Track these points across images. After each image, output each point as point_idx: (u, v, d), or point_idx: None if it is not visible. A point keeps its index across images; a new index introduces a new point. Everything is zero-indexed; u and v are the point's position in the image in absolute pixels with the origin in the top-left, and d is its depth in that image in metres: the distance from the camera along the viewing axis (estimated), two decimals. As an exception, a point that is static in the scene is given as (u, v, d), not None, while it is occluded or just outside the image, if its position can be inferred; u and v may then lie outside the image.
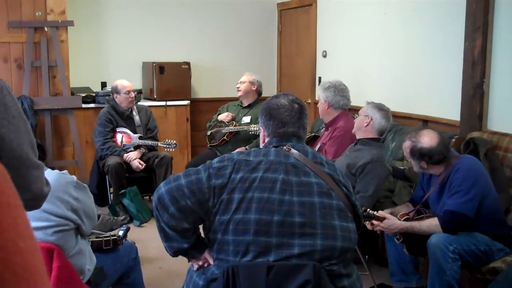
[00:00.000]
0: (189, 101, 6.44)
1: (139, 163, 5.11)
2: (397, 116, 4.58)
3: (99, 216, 3.48)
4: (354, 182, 3.54)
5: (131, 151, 5.19)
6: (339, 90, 4.31)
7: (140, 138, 5.25)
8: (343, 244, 1.95)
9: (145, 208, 5.10)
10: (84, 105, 5.82)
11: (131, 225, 4.53)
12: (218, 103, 5.97)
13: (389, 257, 3.49)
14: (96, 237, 2.82)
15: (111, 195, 5.23)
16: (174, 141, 5.28)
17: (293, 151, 2.05)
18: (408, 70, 4.91)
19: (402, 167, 4.13)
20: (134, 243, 3.15)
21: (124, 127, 5.26)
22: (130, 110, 5.32)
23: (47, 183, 1.61)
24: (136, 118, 5.34)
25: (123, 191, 5.04)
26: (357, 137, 3.79)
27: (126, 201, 5.02)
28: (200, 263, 2.06)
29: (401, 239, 3.20)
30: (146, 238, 4.44)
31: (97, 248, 2.74)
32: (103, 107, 5.42)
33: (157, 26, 6.59)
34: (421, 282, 3.41)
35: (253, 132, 4.97)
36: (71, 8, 5.82)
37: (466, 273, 3.16)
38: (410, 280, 3.42)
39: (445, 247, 2.92)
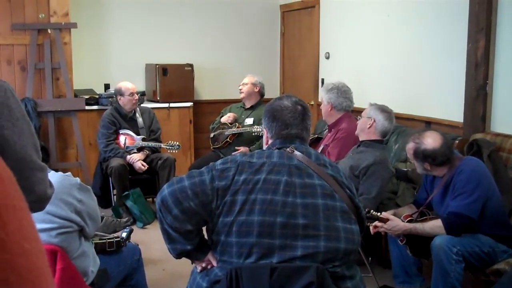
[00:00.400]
0: (192, 103, 6.44)
1: (142, 164, 5.11)
2: (400, 117, 4.57)
3: (102, 218, 3.48)
4: (357, 184, 3.53)
5: (134, 153, 5.19)
6: (342, 91, 4.30)
7: (143, 140, 5.26)
8: (347, 246, 1.95)
9: (148, 210, 5.11)
10: (87, 107, 5.83)
11: (134, 227, 4.51)
12: (221, 105, 5.97)
13: (392, 259, 3.48)
14: (100, 239, 2.82)
15: (115, 197, 5.23)
16: (177, 143, 5.29)
17: (296, 153, 2.05)
18: (411, 71, 4.90)
19: (406, 169, 4.12)
20: (138, 245, 3.15)
21: (127, 129, 5.27)
22: (133, 112, 5.32)
23: (51, 185, 1.61)
24: (139, 120, 5.34)
25: (126, 193, 5.04)
26: (360, 139, 3.78)
27: (129, 203, 5.03)
28: (204, 265, 2.06)
29: (404, 240, 3.19)
30: (150, 240, 4.44)
31: (100, 250, 2.75)
32: (106, 109, 5.43)
33: (160, 28, 6.60)
34: (425, 284, 3.40)
35: (256, 133, 4.97)
36: (74, 10, 5.83)
37: (469, 275, 3.15)
38: (414, 282, 3.42)
39: (449, 248, 2.92)
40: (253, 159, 2.02)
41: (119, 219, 4.64)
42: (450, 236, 2.98)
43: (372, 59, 5.42)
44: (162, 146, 5.32)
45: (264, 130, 2.23)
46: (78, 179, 2.48)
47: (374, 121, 3.70)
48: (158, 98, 6.26)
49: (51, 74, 5.60)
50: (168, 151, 5.32)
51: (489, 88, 4.04)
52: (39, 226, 2.27)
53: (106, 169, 5.13)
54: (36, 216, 2.01)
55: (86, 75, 6.17)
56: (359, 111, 4.16)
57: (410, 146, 3.21)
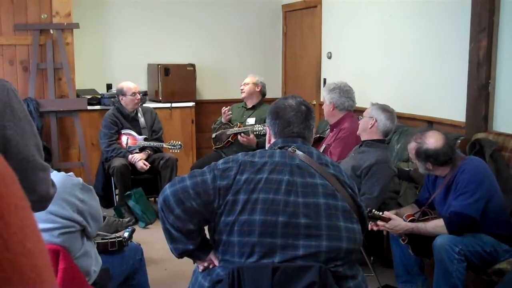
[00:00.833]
0: (194, 103, 6.44)
1: (144, 164, 5.12)
2: (402, 117, 4.57)
3: (104, 218, 3.48)
4: (359, 183, 3.53)
5: (137, 152, 5.20)
6: (344, 91, 4.30)
7: (145, 139, 5.26)
8: (348, 245, 1.95)
9: (150, 210, 5.11)
10: (89, 107, 5.84)
11: (136, 227, 4.54)
12: (223, 105, 5.95)
13: (394, 258, 3.48)
14: (102, 239, 2.83)
15: (117, 196, 5.24)
16: (179, 142, 5.29)
17: (298, 152, 2.05)
18: (412, 71, 4.90)
19: (408, 169, 4.12)
20: (140, 244, 3.15)
21: (130, 129, 5.27)
22: (135, 112, 5.33)
23: (53, 185, 1.61)
24: (141, 120, 5.35)
25: (128, 192, 5.05)
26: (362, 139, 3.78)
27: (131, 203, 5.03)
28: (206, 264, 2.07)
29: (406, 240, 3.19)
30: (152, 240, 4.44)
31: (102, 249, 2.75)
32: (109, 109, 5.43)
33: (162, 28, 6.60)
34: (427, 284, 3.40)
35: (257, 133, 4.97)
36: (77, 11, 5.84)
37: (471, 274, 3.15)
38: (416, 282, 3.41)
39: (451, 248, 2.91)
40: (255, 159, 2.02)
41: (121, 219, 4.63)
42: (452, 235, 2.97)
43: (374, 59, 5.42)
44: (164, 146, 5.33)
45: (267, 128, 2.24)
46: (80, 179, 2.48)
47: (376, 120, 3.69)
48: (160, 98, 6.27)
49: (53, 74, 5.61)
50: (170, 151, 5.32)
51: (491, 87, 4.03)
52: (41, 225, 2.27)
53: (108, 169, 5.14)
54: (38, 215, 2.01)
55: (88, 75, 6.18)
56: (361, 111, 4.16)
57: (412, 145, 3.21)
